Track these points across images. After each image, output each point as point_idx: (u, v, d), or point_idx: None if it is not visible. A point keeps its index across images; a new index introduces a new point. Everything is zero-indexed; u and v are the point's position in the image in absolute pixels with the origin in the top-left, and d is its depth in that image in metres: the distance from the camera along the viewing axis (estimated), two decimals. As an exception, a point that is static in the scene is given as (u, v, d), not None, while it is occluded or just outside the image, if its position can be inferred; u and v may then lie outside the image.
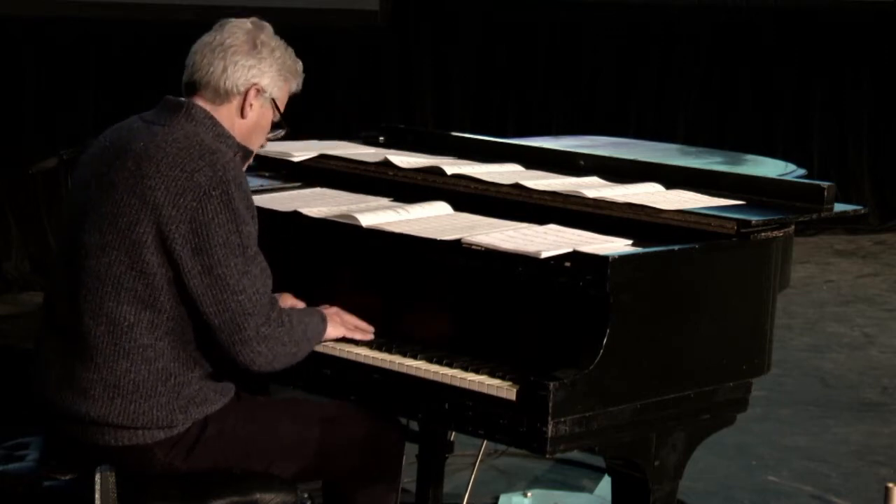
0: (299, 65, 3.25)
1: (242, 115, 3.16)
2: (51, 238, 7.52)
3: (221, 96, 3.14)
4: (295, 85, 3.25)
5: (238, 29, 3.17)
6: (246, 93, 3.14)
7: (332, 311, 3.27)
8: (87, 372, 3.03)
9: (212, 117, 3.13)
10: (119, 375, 3.01)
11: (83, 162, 3.21)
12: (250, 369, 3.05)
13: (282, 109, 3.23)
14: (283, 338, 3.05)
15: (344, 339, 3.25)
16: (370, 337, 3.26)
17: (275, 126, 3.25)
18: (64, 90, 7.62)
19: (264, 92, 3.17)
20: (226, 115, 3.15)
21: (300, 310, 3.23)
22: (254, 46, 3.15)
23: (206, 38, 3.17)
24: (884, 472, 5.11)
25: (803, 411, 5.87)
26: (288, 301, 3.31)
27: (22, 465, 3.16)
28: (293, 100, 3.27)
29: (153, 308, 3.00)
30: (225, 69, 3.13)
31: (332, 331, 3.23)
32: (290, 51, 3.24)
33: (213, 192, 2.98)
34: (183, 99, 3.15)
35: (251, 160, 3.25)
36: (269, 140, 3.28)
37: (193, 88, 3.16)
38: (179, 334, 3.04)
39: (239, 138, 3.17)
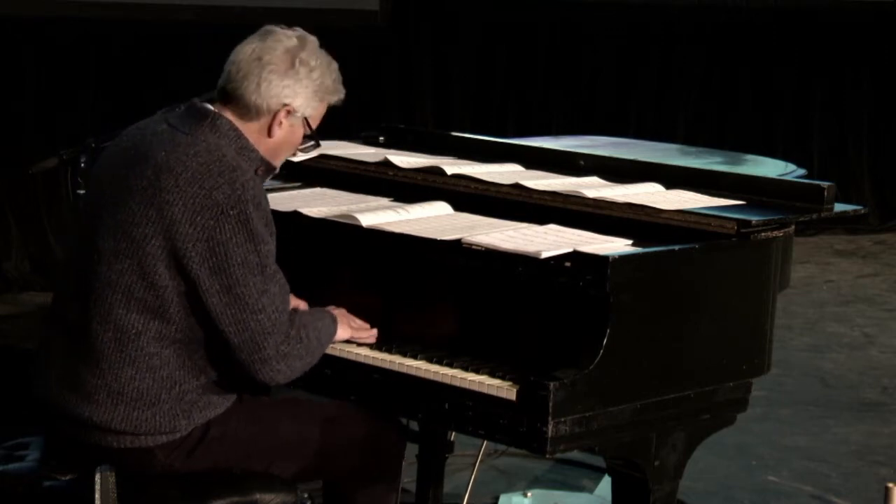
0: (340, 80, 3.17)
1: (270, 133, 3.10)
2: (51, 238, 7.51)
3: (251, 113, 3.07)
4: (334, 100, 3.18)
5: (279, 44, 3.08)
6: (276, 113, 3.08)
7: (338, 312, 3.26)
8: (91, 377, 3.02)
9: (236, 129, 3.07)
10: (123, 383, 3.00)
11: (103, 160, 3.17)
12: (268, 385, 3.06)
13: (314, 126, 3.17)
14: (301, 352, 3.05)
15: (346, 340, 3.25)
16: (374, 338, 3.26)
17: (306, 138, 3.19)
18: (64, 90, 7.60)
19: (296, 112, 3.10)
20: (253, 130, 3.09)
21: (312, 315, 3.19)
22: (291, 66, 3.07)
23: (247, 46, 3.09)
24: (884, 472, 5.10)
25: (803, 411, 5.86)
26: (291, 299, 3.29)
27: (22, 465, 3.16)
28: None
29: (162, 318, 2.99)
30: (258, 86, 3.05)
31: (341, 332, 3.23)
32: (333, 66, 3.16)
33: (231, 212, 2.94)
34: (210, 107, 3.08)
35: (276, 170, 3.19)
36: (300, 152, 3.23)
37: (225, 98, 3.09)
38: (186, 344, 3.02)
39: (263, 153, 3.11)
